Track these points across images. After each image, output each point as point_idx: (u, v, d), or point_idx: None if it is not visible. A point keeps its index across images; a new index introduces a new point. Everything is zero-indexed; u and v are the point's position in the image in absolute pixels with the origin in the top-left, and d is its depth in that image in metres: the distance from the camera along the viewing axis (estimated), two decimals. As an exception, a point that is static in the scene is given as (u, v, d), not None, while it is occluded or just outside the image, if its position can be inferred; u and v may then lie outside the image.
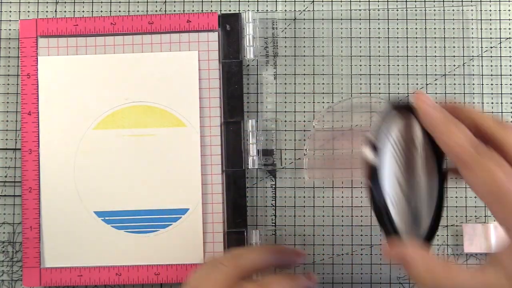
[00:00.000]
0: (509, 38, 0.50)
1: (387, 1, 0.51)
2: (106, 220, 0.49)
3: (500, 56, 0.50)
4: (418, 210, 0.37)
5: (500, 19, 0.50)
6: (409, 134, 0.36)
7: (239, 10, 0.51)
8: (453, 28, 0.50)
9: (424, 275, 0.33)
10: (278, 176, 0.50)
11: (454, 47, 0.50)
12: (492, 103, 0.50)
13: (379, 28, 0.50)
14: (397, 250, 0.35)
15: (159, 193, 0.49)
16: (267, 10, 0.51)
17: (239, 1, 0.51)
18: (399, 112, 0.37)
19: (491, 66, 0.50)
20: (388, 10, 0.50)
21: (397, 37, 0.50)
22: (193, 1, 0.51)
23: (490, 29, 0.50)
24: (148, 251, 0.48)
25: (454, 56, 0.50)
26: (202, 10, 0.51)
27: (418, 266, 0.33)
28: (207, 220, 0.49)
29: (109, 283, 0.48)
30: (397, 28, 0.50)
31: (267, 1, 0.51)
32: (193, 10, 0.51)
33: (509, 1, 0.50)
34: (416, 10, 0.50)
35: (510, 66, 0.50)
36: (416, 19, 0.50)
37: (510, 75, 0.50)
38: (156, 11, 0.51)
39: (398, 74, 0.50)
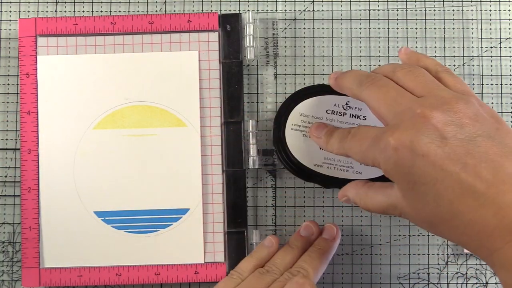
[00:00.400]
0: (509, 38, 0.50)
1: (387, 1, 0.51)
2: (106, 220, 0.49)
3: (500, 56, 0.50)
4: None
5: (500, 19, 0.50)
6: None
7: (239, 10, 0.51)
8: (453, 28, 0.50)
9: (357, 201, 0.42)
10: (278, 176, 0.50)
11: (454, 47, 0.50)
12: (492, 103, 0.50)
13: (379, 28, 0.50)
14: (341, 191, 0.43)
15: (159, 193, 0.49)
16: (267, 10, 0.51)
17: (239, 1, 0.51)
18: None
19: (491, 66, 0.50)
20: (388, 10, 0.50)
21: (397, 37, 0.50)
22: (193, 1, 0.51)
23: (490, 29, 0.50)
24: (148, 251, 0.48)
25: (454, 56, 0.50)
26: (202, 10, 0.51)
27: (352, 196, 0.42)
28: (207, 220, 0.49)
29: (109, 283, 0.48)
30: (397, 28, 0.50)
31: (267, 1, 0.51)
32: (193, 10, 0.51)
33: (509, 1, 0.50)
34: (416, 10, 0.50)
35: (510, 66, 0.50)
36: (416, 19, 0.50)
37: (510, 75, 0.50)
38: (156, 11, 0.51)
39: (398, 74, 0.50)
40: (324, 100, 0.46)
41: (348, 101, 0.46)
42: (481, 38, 0.50)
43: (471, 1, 0.50)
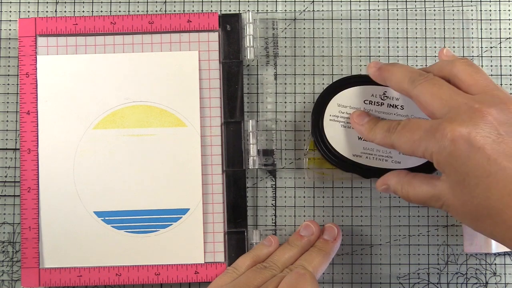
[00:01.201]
0: (509, 38, 0.50)
1: (387, 1, 0.51)
2: (106, 220, 0.49)
3: (500, 56, 0.50)
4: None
5: (500, 19, 0.50)
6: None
7: (239, 10, 0.51)
8: (453, 28, 0.50)
9: (398, 189, 0.42)
10: (278, 176, 0.50)
11: (454, 47, 0.50)
12: (492, 103, 0.50)
13: (379, 28, 0.50)
14: (381, 180, 0.44)
15: (159, 193, 0.49)
16: (267, 10, 0.51)
17: (239, 1, 0.51)
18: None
19: (491, 66, 0.50)
20: (388, 10, 0.50)
21: (397, 37, 0.50)
22: (193, 1, 0.51)
23: (490, 29, 0.50)
24: (148, 251, 0.48)
25: (454, 56, 0.50)
26: (202, 10, 0.51)
27: (393, 184, 0.42)
28: (207, 220, 0.49)
29: (109, 283, 0.48)
30: (397, 28, 0.50)
31: (267, 1, 0.51)
32: (193, 10, 0.51)
33: (509, 1, 0.50)
34: (416, 10, 0.50)
35: (510, 66, 0.50)
36: (416, 19, 0.50)
37: (510, 75, 0.50)
38: (156, 11, 0.51)
39: (398, 74, 0.50)
40: (362, 91, 0.46)
41: (386, 91, 0.46)
42: (481, 38, 0.50)
43: (471, 1, 0.50)
